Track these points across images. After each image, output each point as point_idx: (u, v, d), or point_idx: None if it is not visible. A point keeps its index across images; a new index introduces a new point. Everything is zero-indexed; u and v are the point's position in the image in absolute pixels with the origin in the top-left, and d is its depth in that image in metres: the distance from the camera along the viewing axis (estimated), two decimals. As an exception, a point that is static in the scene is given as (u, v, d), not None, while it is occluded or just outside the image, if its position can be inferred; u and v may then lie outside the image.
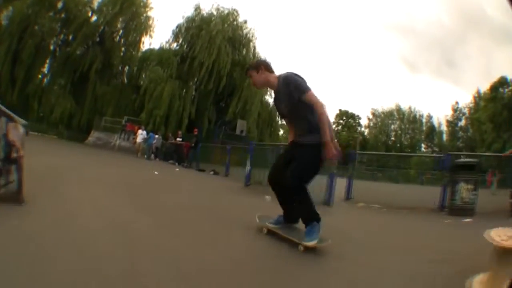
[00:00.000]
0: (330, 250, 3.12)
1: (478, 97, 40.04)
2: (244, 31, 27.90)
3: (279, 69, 3.35)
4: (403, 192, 11.77)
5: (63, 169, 6.94)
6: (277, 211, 3.53)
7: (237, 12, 27.88)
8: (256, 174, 10.05)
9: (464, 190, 6.90)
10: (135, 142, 19.76)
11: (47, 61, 27.59)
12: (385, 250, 3.65)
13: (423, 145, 47.07)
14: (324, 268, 2.74)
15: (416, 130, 49.52)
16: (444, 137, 46.38)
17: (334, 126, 53.65)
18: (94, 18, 27.60)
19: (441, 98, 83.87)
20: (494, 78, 37.09)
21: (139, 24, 27.75)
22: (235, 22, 27.62)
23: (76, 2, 26.06)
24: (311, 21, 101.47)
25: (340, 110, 56.35)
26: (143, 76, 28.23)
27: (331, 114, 53.61)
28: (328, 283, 2.44)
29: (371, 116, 54.03)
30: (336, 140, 3.19)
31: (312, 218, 3.05)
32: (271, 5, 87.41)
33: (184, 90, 25.85)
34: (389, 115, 51.44)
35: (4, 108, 3.06)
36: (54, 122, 26.12)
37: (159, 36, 78.18)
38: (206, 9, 28.08)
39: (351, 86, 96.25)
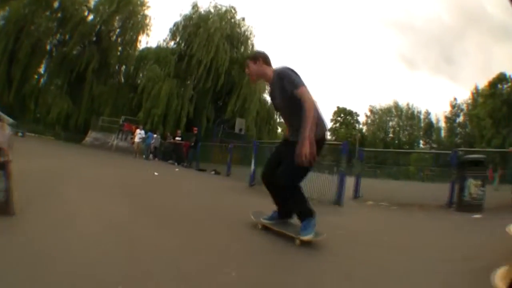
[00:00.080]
0: (344, 252, 3.15)
1: (476, 93, 39.95)
2: (242, 29, 27.54)
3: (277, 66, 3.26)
4: (408, 189, 11.79)
5: (60, 171, 6.56)
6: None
7: (234, 9, 27.54)
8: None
9: (472, 186, 6.90)
10: (133, 142, 19.27)
11: (44, 61, 27.27)
12: (405, 249, 3.58)
13: (421, 142, 47.15)
14: (337, 269, 2.65)
15: (414, 127, 49.31)
16: (442, 133, 46.37)
17: (332, 123, 53.69)
18: (90, 17, 27.33)
19: (439, 94, 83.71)
20: (492, 74, 37.00)
21: (136, 23, 27.33)
22: (233, 20, 27.19)
23: (73, 1, 25.63)
24: (309, 18, 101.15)
25: (338, 107, 56.09)
26: (141, 75, 27.82)
27: (329, 112, 53.70)
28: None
29: (369, 113, 53.94)
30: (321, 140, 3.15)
31: (306, 214, 3.09)
32: (268, 2, 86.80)
33: (182, 89, 25.40)
34: (387, 111, 51.23)
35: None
36: (51, 123, 25.71)
37: (156, 34, 77.66)
38: (203, 6, 27.75)
39: (349, 83, 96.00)
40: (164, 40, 28.26)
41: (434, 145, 44.05)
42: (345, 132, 49.48)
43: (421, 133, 47.90)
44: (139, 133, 18.78)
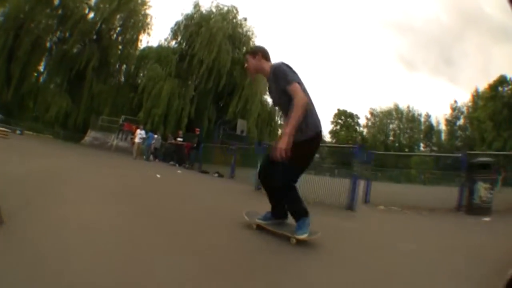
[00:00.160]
0: (356, 258, 3.08)
1: (477, 96, 39.79)
2: (244, 29, 27.17)
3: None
4: (413, 192, 11.56)
5: (57, 172, 6.18)
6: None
7: (236, 9, 27.17)
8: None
9: (482, 189, 6.91)
10: (133, 143, 18.67)
11: (43, 58, 26.91)
12: (427, 255, 3.49)
13: (421, 145, 46.91)
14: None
15: (414, 130, 49.01)
16: (443, 136, 46.06)
17: (332, 125, 53.35)
18: (91, 15, 27.08)
19: (439, 96, 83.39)
20: (492, 76, 36.97)
21: (137, 22, 27.08)
22: (234, 20, 26.82)
23: (73, -2, 25.28)
24: (309, 20, 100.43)
25: (338, 109, 55.42)
26: (141, 74, 27.48)
27: (329, 114, 53.41)
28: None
29: (369, 116, 53.54)
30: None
31: (301, 214, 3.08)
32: (268, 4, 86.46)
33: (184, 89, 24.95)
34: (387, 114, 50.93)
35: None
36: (50, 121, 25.33)
37: (157, 34, 77.64)
38: (205, 6, 27.40)
39: (349, 85, 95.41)
40: (165, 39, 27.95)
41: (435, 148, 43.70)
42: (345, 135, 49.29)
43: (421, 136, 47.68)
44: (140, 133, 18.21)
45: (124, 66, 28.26)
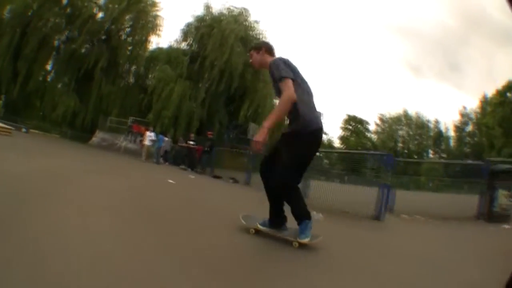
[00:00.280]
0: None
1: (485, 102, 39.21)
2: (256, 32, 26.48)
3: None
4: (428, 200, 11.31)
5: (56, 177, 5.26)
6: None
7: (248, 12, 26.60)
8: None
9: (502, 196, 7.08)
10: (143, 145, 18.02)
11: (51, 57, 26.37)
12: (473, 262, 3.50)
13: (430, 151, 46.20)
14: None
15: (423, 136, 48.23)
16: (451, 142, 45.39)
17: (342, 131, 52.68)
18: (100, 15, 26.51)
19: (445, 102, 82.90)
20: (498, 81, 36.51)
21: (147, 23, 26.45)
22: (246, 23, 26.18)
23: (82, -3, 24.79)
24: (318, 26, 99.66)
25: (348, 115, 54.15)
26: (151, 76, 26.90)
27: (338, 120, 52.85)
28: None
29: (378, 122, 52.73)
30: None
31: (304, 216, 3.00)
32: (277, 11, 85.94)
33: (194, 91, 24.29)
34: (396, 120, 50.21)
35: None
36: (57, 121, 24.75)
37: (167, 35, 77.28)
38: (216, 8, 26.82)
39: (358, 91, 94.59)
40: (175, 41, 27.33)
41: (443, 155, 43.03)
42: (355, 141, 48.56)
43: (430, 142, 47.02)
44: (149, 135, 17.61)
45: (134, 67, 27.72)
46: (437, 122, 47.76)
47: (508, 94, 35.17)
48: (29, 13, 24.28)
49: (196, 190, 8.60)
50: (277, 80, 2.93)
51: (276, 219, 3.24)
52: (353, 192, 7.73)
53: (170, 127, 22.40)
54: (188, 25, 26.96)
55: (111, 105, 25.05)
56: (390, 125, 50.33)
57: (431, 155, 44.76)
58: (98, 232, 2.58)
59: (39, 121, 26.05)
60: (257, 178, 10.97)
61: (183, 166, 16.56)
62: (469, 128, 42.28)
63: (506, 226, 6.49)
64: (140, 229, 2.99)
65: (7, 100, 26.75)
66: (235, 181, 12.67)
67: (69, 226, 2.58)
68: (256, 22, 26.98)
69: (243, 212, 3.71)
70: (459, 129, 43.04)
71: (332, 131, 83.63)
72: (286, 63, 3.02)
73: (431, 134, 47.62)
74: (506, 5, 1.12)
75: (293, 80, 2.91)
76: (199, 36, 25.75)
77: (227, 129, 24.88)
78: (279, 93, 2.96)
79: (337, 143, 50.91)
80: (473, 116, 41.89)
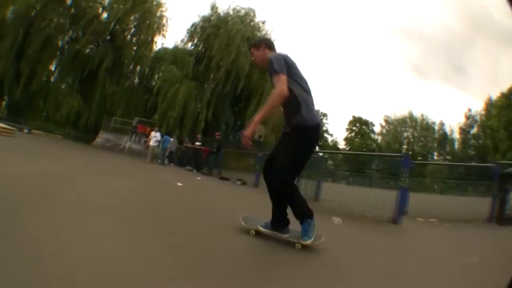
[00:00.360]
0: None
1: (490, 104, 38.78)
2: (262, 32, 26.04)
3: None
4: (437, 202, 11.12)
5: (57, 179, 4.86)
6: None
7: (254, 12, 26.25)
8: (305, 188, 8.77)
9: None
10: (148, 146, 17.40)
11: (54, 57, 26.04)
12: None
13: (435, 153, 45.61)
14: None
15: (428, 138, 47.78)
16: (456, 145, 44.88)
17: (347, 133, 52.26)
18: (104, 15, 26.18)
19: (450, 104, 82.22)
20: (503, 83, 36.13)
21: (152, 23, 26.08)
22: (252, 23, 25.84)
23: (86, -2, 24.42)
24: (324, 29, 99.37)
25: (353, 116, 53.65)
26: (156, 76, 26.41)
27: (344, 121, 52.61)
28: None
29: (384, 123, 52.22)
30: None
31: (306, 215, 2.92)
32: (281, 13, 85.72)
33: (200, 92, 23.81)
34: (401, 122, 49.71)
35: None
36: (60, 121, 24.31)
37: (172, 35, 77.30)
38: (222, 8, 26.48)
39: (364, 93, 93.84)
40: (181, 41, 26.95)
41: (448, 157, 42.55)
42: (360, 142, 48.02)
43: (435, 144, 46.57)
44: (155, 136, 17.03)
45: (138, 67, 27.27)
46: (442, 124, 47.47)
47: (514, 97, 34.77)
48: (32, 14, 23.97)
49: (204, 192, 8.11)
50: (271, 75, 2.88)
51: (279, 221, 3.12)
52: (367, 194, 7.40)
53: (175, 128, 21.88)
54: (194, 25, 26.61)
55: (115, 106, 24.61)
56: (395, 126, 49.83)
57: (435, 157, 44.38)
58: (99, 232, 2.49)
59: (42, 122, 25.68)
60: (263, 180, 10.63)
61: (189, 167, 16.09)
62: (474, 130, 41.84)
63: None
64: (143, 231, 2.85)
65: (10, 101, 26.49)
66: (243, 182, 12.21)
67: (70, 227, 2.47)
68: (263, 22, 26.71)
69: (252, 215, 3.64)
70: (464, 131, 42.62)
71: (337, 132, 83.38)
72: (285, 59, 2.95)
73: (436, 136, 47.10)
74: (506, 5, 1.11)
75: (288, 77, 2.85)
76: (205, 36, 25.38)
77: (233, 130, 24.45)
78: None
79: (342, 144, 50.63)
80: (478, 118, 41.46)
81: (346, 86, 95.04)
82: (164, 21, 26.57)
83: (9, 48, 23.07)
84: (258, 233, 3.18)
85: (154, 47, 26.94)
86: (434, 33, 70.09)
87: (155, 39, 26.69)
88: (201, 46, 26.13)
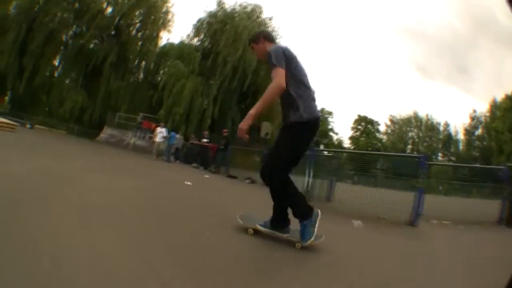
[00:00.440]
0: None
1: (494, 106, 38.37)
2: (269, 29, 25.06)
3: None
4: (449, 204, 10.49)
5: (57, 178, 4.49)
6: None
7: (260, 8, 25.64)
8: (318, 188, 8.58)
9: None
10: (154, 142, 16.83)
11: (58, 52, 25.57)
12: None
13: (440, 154, 45.08)
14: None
15: (433, 138, 47.23)
16: (461, 146, 44.31)
17: (352, 131, 51.81)
18: (109, 10, 25.56)
19: (454, 105, 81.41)
20: (507, 85, 35.76)
21: (157, 19, 25.56)
22: (258, 19, 25.24)
23: (90, -8, 23.88)
24: (330, 28, 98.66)
25: (359, 115, 53.03)
26: (161, 72, 25.86)
27: (349, 120, 52.15)
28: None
29: (389, 123, 51.48)
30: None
31: (304, 213, 2.81)
32: (287, 13, 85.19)
33: (207, 88, 23.28)
34: (407, 122, 49.09)
35: None
36: (64, 117, 23.80)
37: (178, 30, 76.83)
38: (229, 4, 25.95)
39: (369, 92, 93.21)
40: (187, 36, 26.37)
41: (453, 158, 42.07)
42: (365, 141, 47.55)
43: (440, 145, 46.10)
44: (161, 132, 16.46)
45: (144, 62, 26.67)
46: (446, 124, 46.85)
47: (519, 99, 34.28)
48: (36, 9, 23.53)
49: (213, 191, 7.67)
50: (270, 68, 2.80)
51: (279, 220, 2.99)
52: (382, 195, 7.16)
53: (181, 124, 21.39)
54: (200, 21, 26.07)
55: (120, 101, 24.09)
56: (400, 126, 49.23)
57: (440, 158, 43.83)
58: (99, 232, 2.40)
59: (45, 117, 25.29)
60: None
61: (195, 165, 15.63)
62: (479, 131, 41.41)
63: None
64: (145, 230, 2.75)
65: (14, 96, 26.12)
66: (252, 181, 11.79)
67: (69, 227, 2.38)
68: (269, 18, 26.12)
69: (250, 213, 3.57)
70: (468, 132, 42.16)
71: (343, 131, 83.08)
72: (284, 51, 2.87)
73: (441, 136, 46.61)
74: (506, 6, 1.12)
75: (286, 70, 2.77)
76: (212, 32, 24.83)
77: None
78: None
79: (347, 143, 50.22)
80: (482, 119, 41.00)
81: (351, 84, 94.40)
82: (169, 16, 26.14)
83: (12, 43, 22.62)
84: (256, 232, 3.07)
85: (159, 42, 26.47)
86: (438, 34, 69.64)
87: (161, 34, 26.25)
88: (207, 41, 25.59)
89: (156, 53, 25.93)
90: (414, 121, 48.04)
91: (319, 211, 2.85)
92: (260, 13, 25.62)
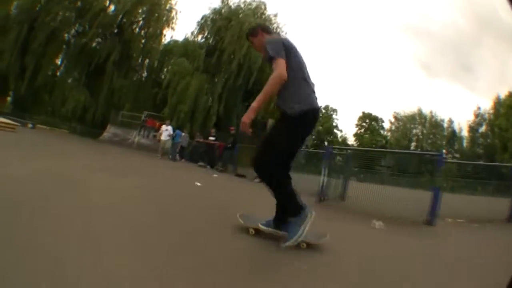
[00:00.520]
0: None
1: (498, 103, 38.00)
2: (274, 26, 24.88)
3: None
4: (458, 202, 10.43)
5: (58, 179, 4.22)
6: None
7: (265, 5, 25.20)
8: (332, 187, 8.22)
9: None
10: (159, 140, 16.33)
11: (60, 51, 25.09)
12: None
13: (444, 151, 44.31)
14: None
15: (437, 135, 46.68)
16: (464, 143, 43.65)
17: (357, 128, 51.37)
18: (111, 8, 24.99)
19: (458, 102, 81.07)
20: (510, 82, 35.55)
21: (161, 16, 25.01)
22: (263, 16, 24.78)
23: (93, -10, 23.36)
24: (335, 26, 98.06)
25: (363, 112, 52.26)
26: (165, 70, 25.35)
27: (353, 117, 51.68)
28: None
29: (393, 120, 50.79)
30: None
31: (292, 211, 2.65)
32: (291, 10, 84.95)
33: (212, 85, 22.78)
34: (411, 119, 48.42)
35: None
36: (66, 116, 23.26)
37: (181, 28, 76.64)
38: (233, 1, 25.46)
39: (373, 89, 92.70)
40: (191, 33, 25.82)
41: (457, 155, 41.51)
42: (369, 138, 46.95)
43: (444, 142, 45.59)
44: (166, 130, 15.98)
45: (147, 60, 26.23)
46: (451, 121, 46.20)
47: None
48: (37, 8, 23.12)
49: (224, 191, 7.47)
50: (269, 59, 2.71)
51: (282, 218, 2.86)
52: (397, 194, 7.02)
53: (186, 122, 20.87)
54: (204, 18, 25.55)
55: (123, 99, 23.58)
56: (405, 123, 48.56)
57: (444, 155, 42.95)
58: (100, 234, 2.34)
59: (48, 117, 24.96)
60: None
61: (201, 163, 15.08)
62: (483, 129, 41.02)
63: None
64: (151, 231, 2.69)
65: (16, 96, 25.80)
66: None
67: (70, 229, 2.31)
68: (274, 15, 25.62)
69: (251, 213, 3.51)
70: (473, 129, 41.78)
71: (347, 128, 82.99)
72: (283, 42, 2.79)
73: (445, 133, 46.16)
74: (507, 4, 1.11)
75: (286, 61, 2.67)
76: (216, 29, 24.31)
77: (245, 124, 23.75)
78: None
79: (351, 140, 49.83)
80: (486, 116, 40.58)
81: (355, 82, 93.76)
82: (173, 14, 25.58)
83: (13, 42, 22.16)
84: (258, 232, 2.99)
85: (163, 40, 26.00)
86: (442, 32, 69.26)
87: (164, 32, 25.70)
88: (211, 38, 25.07)
89: (160, 51, 25.43)
90: (418, 118, 47.69)
91: (313, 213, 2.62)
92: (265, 10, 25.19)
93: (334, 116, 50.50)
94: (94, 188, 4.09)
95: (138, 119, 21.12)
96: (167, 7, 25.46)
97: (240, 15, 23.34)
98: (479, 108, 41.64)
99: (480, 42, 65.00)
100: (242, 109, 23.82)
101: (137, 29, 25.66)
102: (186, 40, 25.52)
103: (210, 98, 22.45)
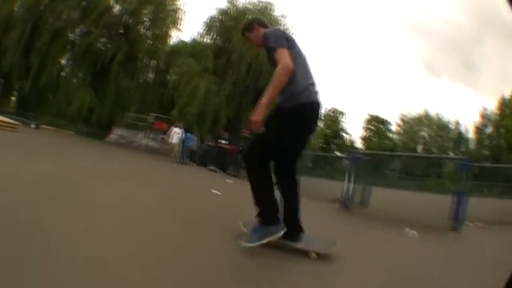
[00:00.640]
0: None
1: (504, 104, 37.44)
2: (282, 27, 24.68)
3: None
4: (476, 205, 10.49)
5: (61, 185, 3.79)
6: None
7: (273, 6, 24.65)
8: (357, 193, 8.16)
9: None
10: (169, 143, 15.61)
11: (65, 51, 24.53)
12: None
13: (450, 153, 43.90)
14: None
15: (444, 138, 46.13)
16: (471, 144, 43.02)
17: (363, 131, 50.90)
18: (117, 7, 24.53)
19: (462, 102, 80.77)
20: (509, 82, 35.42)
21: (167, 16, 24.56)
22: (271, 17, 24.09)
23: (98, -11, 22.73)
24: (339, 28, 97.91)
25: (370, 115, 50.95)
26: (171, 71, 24.82)
27: (360, 119, 50.93)
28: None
29: (400, 122, 50.08)
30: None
31: (266, 217, 2.58)
32: (296, 13, 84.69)
33: (220, 87, 22.23)
34: (417, 121, 47.93)
35: None
36: (72, 116, 22.72)
37: (188, 29, 76.22)
38: (240, 1, 25.00)
39: (377, 91, 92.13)
40: (199, 34, 25.27)
41: (464, 158, 40.77)
42: (377, 142, 46.23)
43: (450, 144, 45.09)
44: (177, 133, 15.20)
45: (153, 61, 25.65)
46: (457, 123, 45.92)
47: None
48: (41, 7, 22.64)
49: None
50: (270, 51, 2.57)
51: (289, 227, 2.61)
52: (421, 199, 7.71)
53: (194, 125, 20.26)
54: (212, 18, 25.02)
55: (129, 101, 23.05)
56: (412, 125, 48.05)
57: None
58: (101, 235, 2.30)
59: (52, 117, 24.62)
60: (309, 182, 9.60)
61: (212, 168, 14.58)
62: (489, 130, 40.58)
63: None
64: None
65: (20, 96, 25.38)
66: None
67: (75, 230, 2.26)
68: (283, 16, 25.03)
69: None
70: (479, 130, 41.37)
71: (354, 131, 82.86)
72: (283, 34, 2.71)
73: (452, 135, 45.73)
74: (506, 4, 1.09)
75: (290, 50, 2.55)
76: (223, 29, 23.72)
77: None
78: (274, 64, 2.55)
79: (359, 144, 49.23)
80: (493, 117, 40.15)
81: (359, 84, 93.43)
82: (179, 14, 25.07)
83: (17, 40, 21.62)
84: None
85: (169, 40, 25.47)
86: (444, 31, 69.15)
87: (170, 32, 25.16)
88: (219, 39, 24.49)
89: (168, 52, 24.85)
90: (424, 120, 47.31)
91: (281, 232, 2.50)
92: (272, 10, 24.56)
93: (341, 119, 49.80)
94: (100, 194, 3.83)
95: (144, 121, 20.59)
96: (173, 8, 24.97)
97: (248, 16, 22.97)
98: (485, 109, 41.23)
99: (482, 40, 64.87)
100: (251, 110, 23.53)
101: (142, 30, 25.10)
102: (194, 41, 24.99)
103: (219, 100, 21.94)
